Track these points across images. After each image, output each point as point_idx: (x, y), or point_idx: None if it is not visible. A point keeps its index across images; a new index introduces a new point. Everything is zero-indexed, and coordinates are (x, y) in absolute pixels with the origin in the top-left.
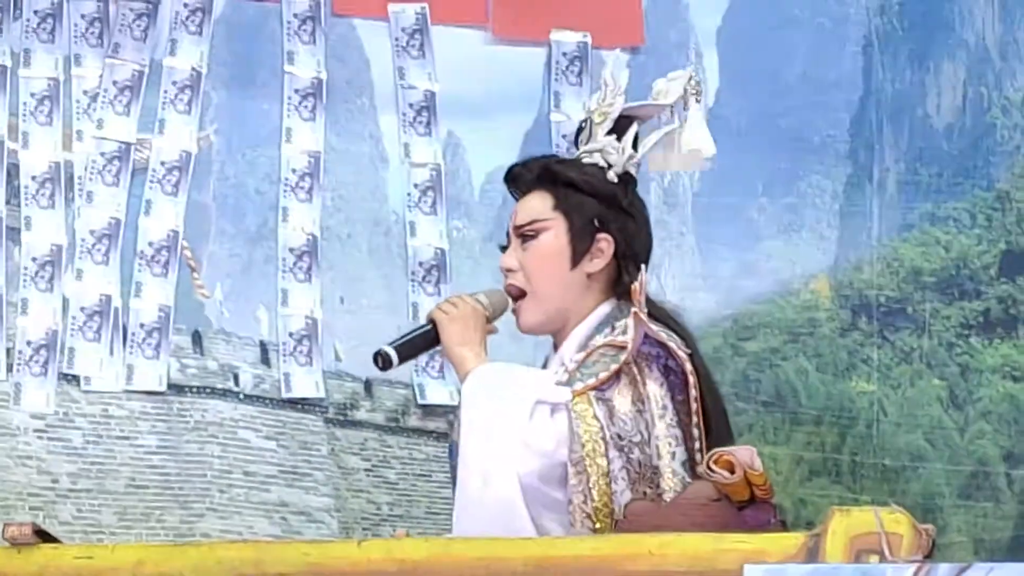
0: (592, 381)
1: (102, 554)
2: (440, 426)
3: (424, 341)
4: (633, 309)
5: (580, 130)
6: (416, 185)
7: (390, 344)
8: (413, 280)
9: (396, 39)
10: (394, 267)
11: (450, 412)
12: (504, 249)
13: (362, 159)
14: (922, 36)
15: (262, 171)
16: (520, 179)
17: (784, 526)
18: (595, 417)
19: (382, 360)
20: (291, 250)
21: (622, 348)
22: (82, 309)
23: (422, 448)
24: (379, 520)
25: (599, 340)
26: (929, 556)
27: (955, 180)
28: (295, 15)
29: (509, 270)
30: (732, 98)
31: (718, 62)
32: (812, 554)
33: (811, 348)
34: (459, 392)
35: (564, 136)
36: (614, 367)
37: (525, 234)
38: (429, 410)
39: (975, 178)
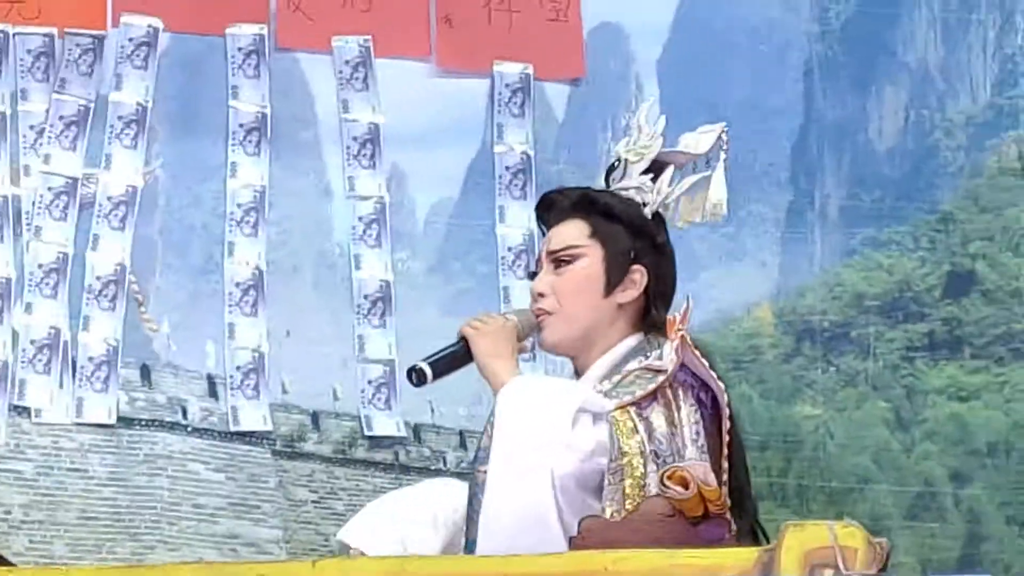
0: (629, 398)
1: None
2: (387, 457)
3: (456, 357)
4: (680, 331)
5: (612, 168)
6: (360, 218)
7: (424, 360)
8: (359, 312)
9: (340, 72)
10: (340, 300)
11: (397, 444)
12: (533, 276)
13: (307, 193)
14: (864, 61)
15: (208, 205)
16: (556, 205)
17: (738, 542)
18: (635, 430)
19: (416, 376)
20: (237, 284)
21: (659, 372)
22: (32, 342)
23: (369, 479)
24: (327, 551)
25: (633, 365)
26: (883, 570)
27: (898, 204)
28: (239, 49)
29: (541, 295)
30: (673, 129)
31: (659, 92)
32: (767, 569)
33: (755, 375)
34: (405, 424)
35: (508, 168)
36: (651, 387)
37: (560, 259)
38: (376, 441)
39: (918, 201)
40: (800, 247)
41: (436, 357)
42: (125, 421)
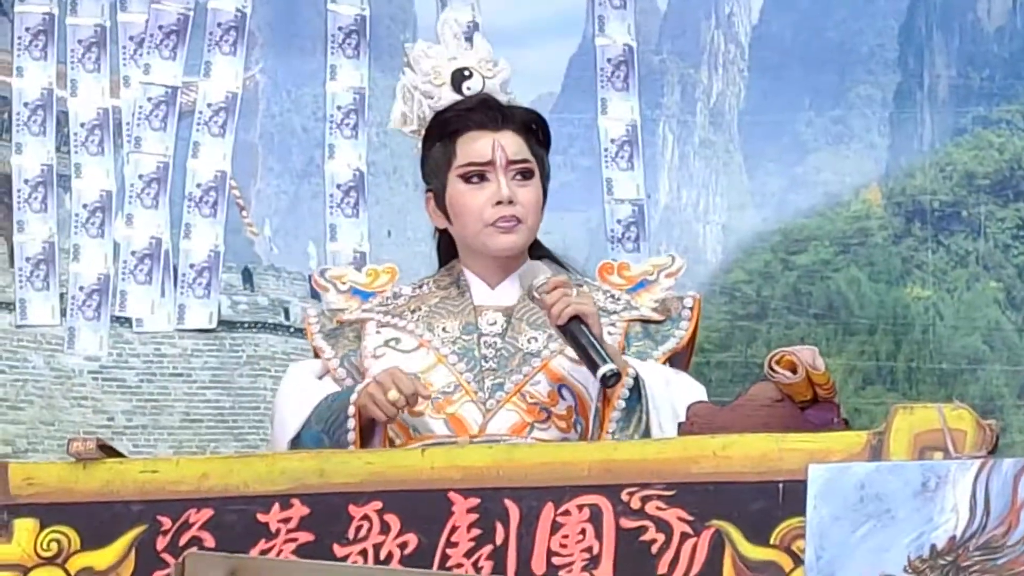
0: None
1: (167, 467)
2: None
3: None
4: (693, 294)
5: (465, 77)
6: None
7: (606, 365)
8: None
9: None
10: None
11: None
12: (477, 179)
13: None
14: None
15: (308, 109)
16: (506, 115)
17: (847, 425)
18: None
19: (614, 379)
20: (338, 186)
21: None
22: (133, 253)
23: None
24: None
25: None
26: (993, 452)
27: (1007, 82)
28: None
29: (511, 201)
30: (777, 14)
31: None
32: (876, 452)
33: (863, 258)
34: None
35: (609, 60)
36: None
37: (521, 171)
38: None
39: None
40: (909, 127)
41: (599, 352)
42: (227, 325)
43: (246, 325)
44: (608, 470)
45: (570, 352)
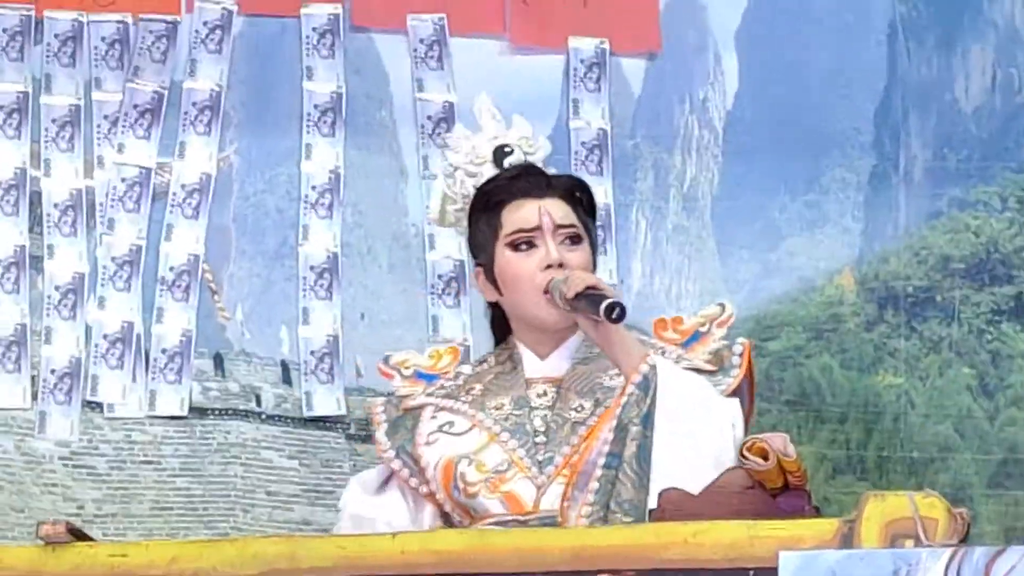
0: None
1: (136, 551)
2: None
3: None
4: (743, 341)
5: (505, 153)
6: None
7: (609, 300)
8: (433, 293)
9: (415, 50)
10: (413, 281)
11: None
12: (526, 247)
13: (382, 174)
14: (948, 20)
15: (282, 189)
16: (550, 181)
17: (818, 513)
18: None
19: (620, 310)
20: (312, 268)
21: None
22: (105, 336)
23: None
24: None
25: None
26: (964, 540)
27: (984, 163)
28: (314, 29)
29: (561, 264)
30: (751, 100)
31: (737, 64)
32: (847, 540)
33: (835, 344)
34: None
35: (583, 143)
36: (733, 384)
37: (569, 236)
38: None
39: (1005, 160)
40: (884, 211)
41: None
42: (198, 411)
43: (217, 412)
44: (579, 556)
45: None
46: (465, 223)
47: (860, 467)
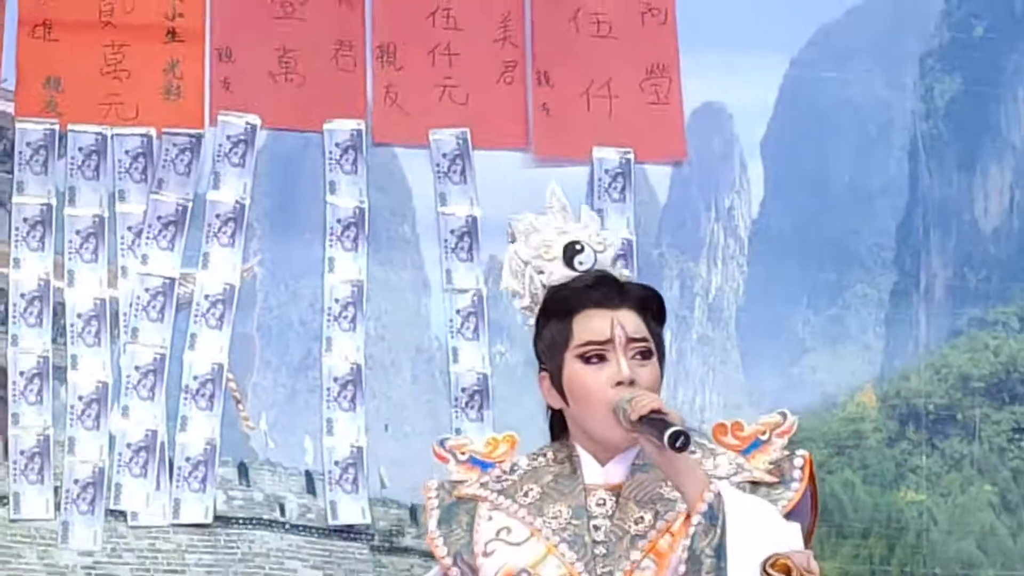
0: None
1: None
2: None
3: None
4: (803, 453)
5: (576, 252)
6: (458, 311)
7: (674, 427)
8: (456, 406)
9: (437, 165)
10: (437, 393)
11: None
12: (596, 360)
13: (404, 286)
14: (968, 140)
15: (305, 301)
16: (625, 290)
17: None
18: None
19: (684, 439)
20: (335, 379)
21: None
22: (128, 445)
23: None
24: None
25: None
26: None
27: (1004, 284)
28: (336, 144)
29: (632, 382)
30: (777, 208)
31: (763, 172)
32: None
33: (857, 460)
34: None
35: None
36: (791, 504)
37: (640, 351)
38: None
39: (1023, 281)
40: (905, 329)
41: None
42: (222, 520)
43: (241, 521)
44: None
45: (674, 528)
46: (532, 322)
47: None
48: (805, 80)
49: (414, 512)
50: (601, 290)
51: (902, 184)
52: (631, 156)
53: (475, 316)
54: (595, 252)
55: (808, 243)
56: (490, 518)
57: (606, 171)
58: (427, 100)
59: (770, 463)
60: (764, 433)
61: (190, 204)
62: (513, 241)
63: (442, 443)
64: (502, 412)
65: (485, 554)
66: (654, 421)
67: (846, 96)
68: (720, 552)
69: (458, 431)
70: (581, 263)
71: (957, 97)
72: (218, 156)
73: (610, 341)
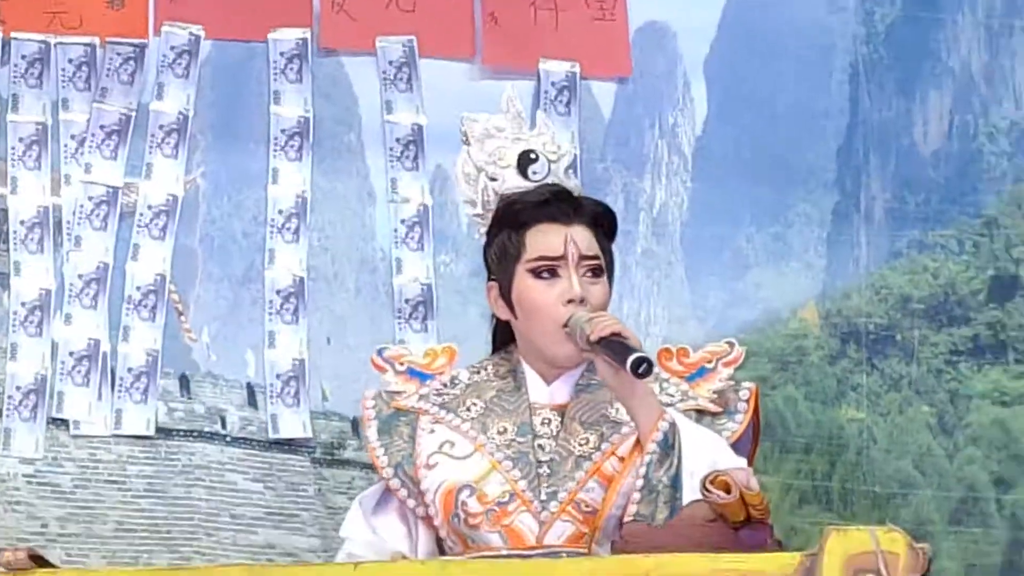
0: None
1: None
2: None
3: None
4: (750, 385)
5: (530, 160)
6: (403, 221)
7: (636, 354)
8: (400, 317)
9: (384, 72)
10: (381, 305)
11: None
12: (548, 275)
13: (349, 197)
14: (908, 64)
15: (249, 213)
16: (580, 207)
17: (780, 546)
18: None
19: (647, 365)
20: (278, 292)
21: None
22: (71, 354)
23: None
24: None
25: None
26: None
27: (942, 207)
28: (281, 53)
29: (583, 300)
30: (720, 127)
31: (706, 91)
32: (809, 574)
33: (800, 376)
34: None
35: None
36: (739, 432)
37: (592, 268)
38: None
39: (962, 205)
40: (846, 249)
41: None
42: (163, 432)
43: (182, 433)
44: None
45: (620, 452)
46: (483, 231)
47: (825, 498)
48: (748, 2)
49: (356, 425)
50: (556, 205)
51: (843, 106)
52: (577, 70)
53: (420, 226)
54: (549, 162)
55: (751, 161)
56: (432, 431)
57: (552, 84)
58: (374, 7)
59: (714, 392)
60: (710, 361)
61: (133, 114)
62: (467, 143)
63: (380, 353)
64: (446, 323)
65: (428, 466)
66: (613, 344)
67: (788, 18)
68: (676, 482)
69: (402, 342)
70: (535, 172)
71: (897, 22)
72: (162, 66)
73: (563, 257)
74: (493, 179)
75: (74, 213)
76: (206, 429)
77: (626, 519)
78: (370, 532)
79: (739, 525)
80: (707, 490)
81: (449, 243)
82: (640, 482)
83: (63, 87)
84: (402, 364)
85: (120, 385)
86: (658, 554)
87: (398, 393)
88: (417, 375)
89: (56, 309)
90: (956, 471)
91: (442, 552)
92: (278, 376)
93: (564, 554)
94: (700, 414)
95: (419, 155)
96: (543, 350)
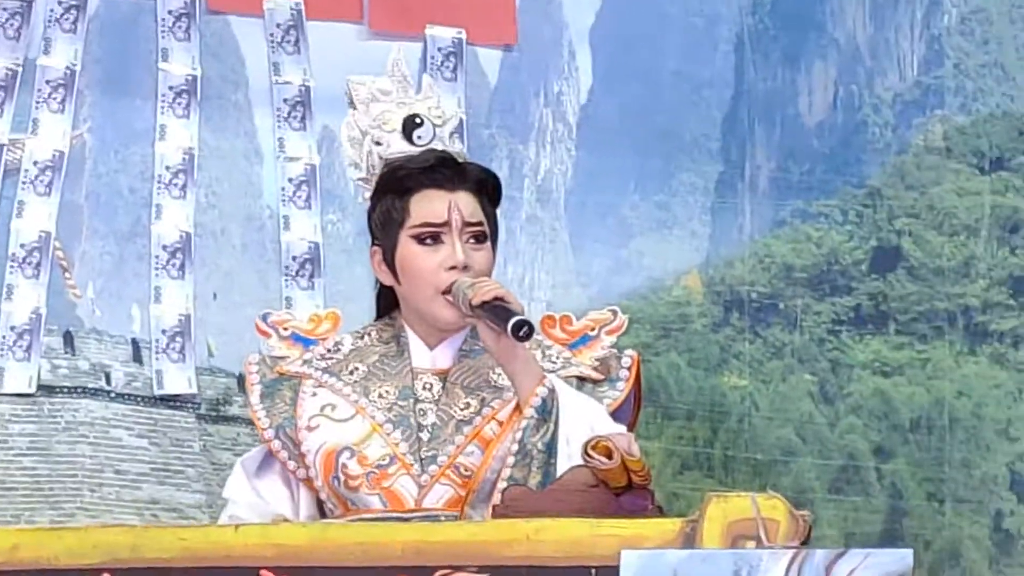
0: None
1: None
2: None
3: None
4: (632, 353)
5: (415, 125)
6: (290, 179)
7: (516, 317)
8: (287, 274)
9: (271, 35)
10: (268, 262)
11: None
12: (431, 241)
13: (236, 155)
14: (794, 35)
15: (136, 169)
16: (464, 172)
17: (661, 512)
18: None
19: (528, 329)
20: (164, 247)
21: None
22: None
23: None
24: None
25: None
26: (805, 543)
27: (826, 177)
28: (169, 12)
29: (466, 267)
30: (605, 96)
31: (591, 60)
32: (689, 540)
33: (683, 343)
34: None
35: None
36: (620, 399)
37: (475, 234)
38: None
39: (846, 175)
40: (730, 217)
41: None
42: (47, 389)
43: (66, 390)
44: (422, 551)
45: (500, 416)
46: (367, 195)
47: (707, 464)
48: None
49: (241, 381)
50: (441, 171)
51: (728, 76)
52: (463, 36)
53: (307, 185)
54: (434, 126)
55: (636, 130)
56: (314, 394)
57: (439, 49)
58: None
59: (596, 359)
60: (593, 329)
61: (20, 69)
62: (352, 107)
63: (264, 318)
64: (333, 281)
65: (308, 428)
66: (496, 308)
67: None
68: (551, 448)
69: (288, 300)
70: (420, 137)
71: None
72: (49, 21)
73: (446, 224)
74: (378, 143)
75: None
76: (90, 385)
77: (500, 483)
78: (253, 495)
79: (620, 491)
80: (588, 455)
81: (336, 203)
82: (516, 447)
83: None
84: (286, 329)
85: (3, 344)
86: (539, 519)
87: (282, 358)
88: (301, 340)
89: None
90: (837, 439)
91: (323, 515)
92: (164, 332)
93: (442, 517)
94: (582, 381)
95: (307, 115)
96: (425, 315)
